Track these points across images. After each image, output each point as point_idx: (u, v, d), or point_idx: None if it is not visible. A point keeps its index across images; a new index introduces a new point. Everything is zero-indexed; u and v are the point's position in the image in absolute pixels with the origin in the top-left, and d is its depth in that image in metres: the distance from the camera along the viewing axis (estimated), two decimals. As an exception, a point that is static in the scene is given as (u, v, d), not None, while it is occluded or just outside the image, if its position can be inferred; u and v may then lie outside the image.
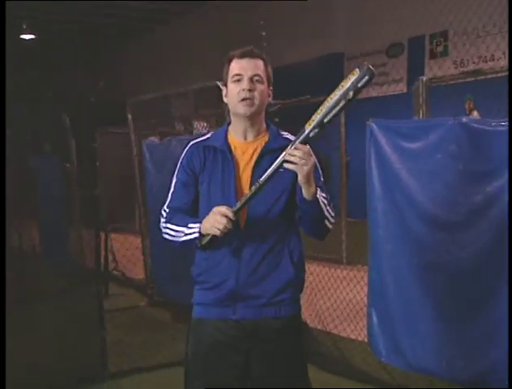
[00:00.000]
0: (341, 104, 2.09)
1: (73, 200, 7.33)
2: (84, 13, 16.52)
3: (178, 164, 2.42)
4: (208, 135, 2.45)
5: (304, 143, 2.13)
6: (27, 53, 16.55)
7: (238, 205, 2.17)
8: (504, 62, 10.40)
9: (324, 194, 2.26)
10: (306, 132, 2.13)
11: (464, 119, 3.36)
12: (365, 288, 4.21)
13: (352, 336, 4.78)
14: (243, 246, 2.27)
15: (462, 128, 3.30)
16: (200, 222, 2.24)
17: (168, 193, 2.45)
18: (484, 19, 9.58)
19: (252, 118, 2.31)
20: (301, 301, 2.49)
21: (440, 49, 11.88)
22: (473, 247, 3.26)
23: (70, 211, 7.26)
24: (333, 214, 2.31)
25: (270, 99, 2.36)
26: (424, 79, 4.39)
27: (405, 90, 12.13)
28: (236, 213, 2.16)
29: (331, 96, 2.10)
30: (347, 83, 2.08)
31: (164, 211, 2.42)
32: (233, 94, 2.29)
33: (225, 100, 2.38)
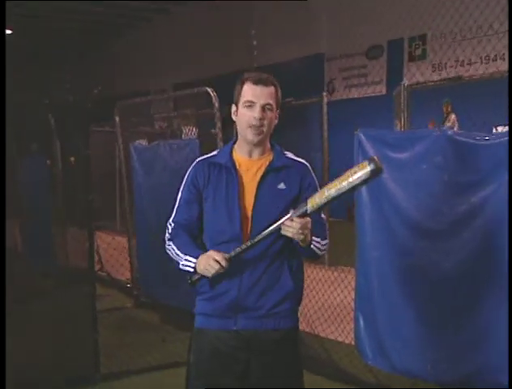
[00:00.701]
0: (344, 195, 2.19)
1: (57, 199, 7.35)
2: (64, 9, 16.42)
3: (184, 181, 2.52)
4: (214, 152, 2.54)
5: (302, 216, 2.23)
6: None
7: (233, 253, 2.29)
8: (480, 66, 10.63)
9: (318, 239, 2.37)
10: (305, 209, 2.22)
11: (450, 132, 3.49)
12: (351, 292, 4.33)
13: (340, 339, 4.87)
14: (245, 261, 2.36)
15: (447, 140, 3.42)
16: (197, 257, 2.34)
17: (173, 207, 2.55)
18: (461, 25, 9.80)
19: (257, 142, 2.42)
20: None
21: (418, 52, 12.07)
22: (457, 256, 3.38)
23: (55, 210, 7.29)
24: (326, 246, 2.44)
25: (276, 121, 2.45)
26: (406, 84, 4.53)
27: (384, 91, 12.29)
28: (229, 260, 2.28)
29: (338, 186, 2.16)
30: (354, 180, 2.14)
31: (170, 224, 2.52)
32: (244, 119, 2.38)
33: (234, 118, 2.47)
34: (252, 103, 2.36)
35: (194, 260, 2.35)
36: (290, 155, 2.52)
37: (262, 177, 2.41)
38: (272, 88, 2.40)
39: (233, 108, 2.46)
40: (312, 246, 2.35)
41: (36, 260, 7.33)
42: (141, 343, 4.98)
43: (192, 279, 2.37)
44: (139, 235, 6.34)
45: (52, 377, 4.23)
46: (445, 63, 11.55)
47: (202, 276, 2.33)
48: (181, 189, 2.53)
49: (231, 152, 2.47)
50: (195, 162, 2.52)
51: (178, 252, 2.42)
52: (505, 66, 9.87)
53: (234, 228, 2.38)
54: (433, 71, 11.59)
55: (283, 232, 2.23)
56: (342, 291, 5.17)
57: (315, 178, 2.48)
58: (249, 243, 2.28)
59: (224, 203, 2.40)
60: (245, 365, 2.42)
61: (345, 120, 11.99)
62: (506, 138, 3.16)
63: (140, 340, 5.07)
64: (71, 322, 4.62)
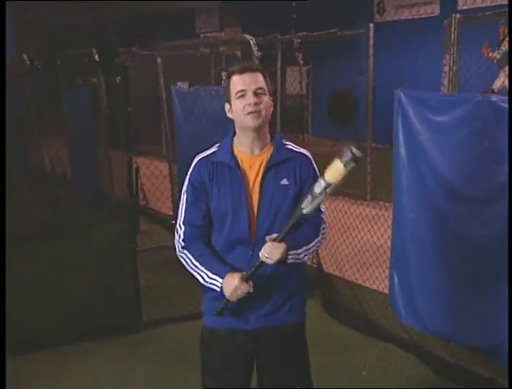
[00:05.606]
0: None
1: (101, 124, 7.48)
2: None
3: (187, 180, 2.45)
4: (214, 149, 2.47)
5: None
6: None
7: (249, 273, 2.31)
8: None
9: (293, 252, 2.34)
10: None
11: (493, 97, 3.36)
12: (388, 229, 4.26)
13: (372, 286, 4.86)
14: (254, 261, 2.34)
15: (489, 106, 3.30)
16: (224, 277, 2.33)
17: (179, 208, 2.48)
18: None
19: (259, 130, 2.36)
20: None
21: (475, -31, 11.41)
22: (494, 224, 3.34)
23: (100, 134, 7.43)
24: (317, 244, 2.45)
25: (272, 108, 2.40)
26: (458, 16, 4.33)
27: (437, 12, 11.75)
28: (247, 279, 2.30)
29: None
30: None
31: (180, 227, 2.46)
32: (239, 109, 2.33)
33: (229, 115, 2.41)
34: (243, 91, 2.32)
35: (221, 281, 2.34)
36: (290, 145, 2.47)
37: (264, 175, 2.37)
38: (259, 74, 2.35)
39: (227, 106, 2.41)
40: (289, 261, 2.34)
41: (83, 190, 7.57)
42: (179, 287, 4.97)
43: (218, 311, 2.38)
44: (181, 174, 6.36)
45: (90, 323, 4.28)
46: (504, -18, 10.87)
47: (228, 302, 2.34)
48: (185, 189, 2.46)
49: (232, 149, 2.42)
50: (196, 160, 2.45)
51: (199, 266, 2.40)
52: None
53: (243, 229, 2.37)
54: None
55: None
56: (378, 228, 5.02)
57: (316, 168, 2.44)
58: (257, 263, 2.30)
59: (230, 202, 2.37)
60: (253, 356, 2.51)
61: (395, 43, 11.60)
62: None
63: (179, 284, 5.00)
64: (112, 262, 4.61)
